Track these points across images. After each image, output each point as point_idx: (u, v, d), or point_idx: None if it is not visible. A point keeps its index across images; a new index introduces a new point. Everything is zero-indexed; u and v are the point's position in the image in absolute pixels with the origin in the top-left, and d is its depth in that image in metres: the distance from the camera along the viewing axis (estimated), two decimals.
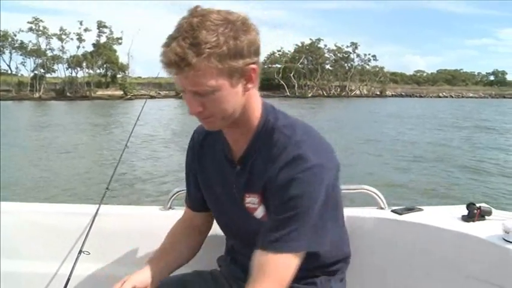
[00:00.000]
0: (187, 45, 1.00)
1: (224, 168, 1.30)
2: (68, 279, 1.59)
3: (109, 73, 70.91)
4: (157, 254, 1.43)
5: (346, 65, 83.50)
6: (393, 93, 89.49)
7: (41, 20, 64.51)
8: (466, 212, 1.59)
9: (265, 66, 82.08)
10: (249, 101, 1.16)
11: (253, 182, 1.22)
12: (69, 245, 1.77)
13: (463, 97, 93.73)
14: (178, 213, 1.83)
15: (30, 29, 63.37)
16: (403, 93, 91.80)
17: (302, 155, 1.13)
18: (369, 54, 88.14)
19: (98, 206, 1.80)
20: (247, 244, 1.27)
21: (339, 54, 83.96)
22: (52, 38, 65.30)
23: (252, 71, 1.10)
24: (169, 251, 1.44)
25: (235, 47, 1.04)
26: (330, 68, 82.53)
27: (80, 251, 1.67)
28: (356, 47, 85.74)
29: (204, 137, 1.37)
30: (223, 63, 1.03)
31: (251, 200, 1.23)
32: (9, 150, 14.14)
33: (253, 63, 1.09)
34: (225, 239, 1.51)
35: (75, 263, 1.64)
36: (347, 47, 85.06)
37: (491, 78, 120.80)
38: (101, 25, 68.29)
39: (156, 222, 1.82)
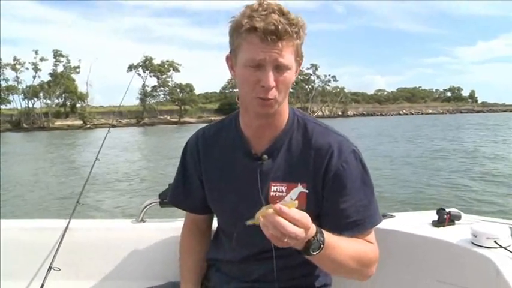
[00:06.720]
0: (285, 20, 1.07)
1: (239, 163, 1.28)
2: None
3: (68, 103, 69.30)
4: (186, 275, 1.40)
5: (307, 86, 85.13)
6: (355, 113, 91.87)
7: None
8: (436, 218, 1.62)
9: (227, 91, 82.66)
10: None
11: (282, 171, 1.24)
12: (38, 261, 1.69)
13: (422, 114, 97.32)
14: (150, 225, 1.80)
15: None
16: (364, 113, 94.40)
17: (347, 140, 1.26)
18: (329, 75, 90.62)
19: (68, 220, 1.74)
20: (244, 244, 1.28)
21: (299, 76, 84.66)
22: (6, 68, 63.63)
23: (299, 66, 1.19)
24: (194, 270, 1.40)
25: (304, 37, 1.14)
26: (291, 90, 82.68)
27: (50, 268, 1.60)
28: (316, 69, 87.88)
29: (206, 141, 1.36)
30: (300, 47, 1.14)
31: (278, 189, 1.23)
32: None
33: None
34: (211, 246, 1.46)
35: (44, 280, 1.57)
36: (307, 68, 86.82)
37: (448, 94, 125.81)
38: (57, 54, 67.16)
39: (128, 235, 1.77)
